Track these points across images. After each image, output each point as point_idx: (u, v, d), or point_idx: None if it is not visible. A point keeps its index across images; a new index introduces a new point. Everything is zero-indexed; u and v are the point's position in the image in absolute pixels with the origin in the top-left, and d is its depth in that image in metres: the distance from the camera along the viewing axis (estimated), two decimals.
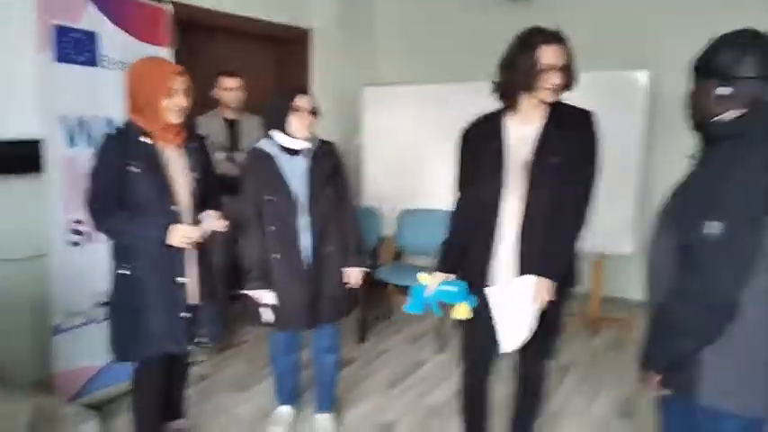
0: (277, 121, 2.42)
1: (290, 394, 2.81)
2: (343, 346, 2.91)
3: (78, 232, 2.83)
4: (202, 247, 2.23)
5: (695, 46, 1.55)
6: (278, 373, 2.77)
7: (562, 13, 4.47)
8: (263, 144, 2.48)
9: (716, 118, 1.43)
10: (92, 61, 2.90)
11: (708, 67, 1.44)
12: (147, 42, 3.17)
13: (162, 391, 2.28)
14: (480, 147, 2.07)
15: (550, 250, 1.99)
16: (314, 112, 2.43)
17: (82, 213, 2.80)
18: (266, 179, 2.44)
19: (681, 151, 1.73)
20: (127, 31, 3.06)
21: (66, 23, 2.77)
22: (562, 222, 2.00)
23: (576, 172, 1.98)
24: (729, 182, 1.34)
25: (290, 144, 2.43)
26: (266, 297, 2.46)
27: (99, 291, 2.85)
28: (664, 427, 1.63)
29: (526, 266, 2.01)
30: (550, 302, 2.01)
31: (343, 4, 5.05)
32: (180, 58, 3.27)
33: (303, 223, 2.45)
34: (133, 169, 2.05)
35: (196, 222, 2.16)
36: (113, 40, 2.99)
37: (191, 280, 2.19)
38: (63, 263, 2.76)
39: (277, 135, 2.44)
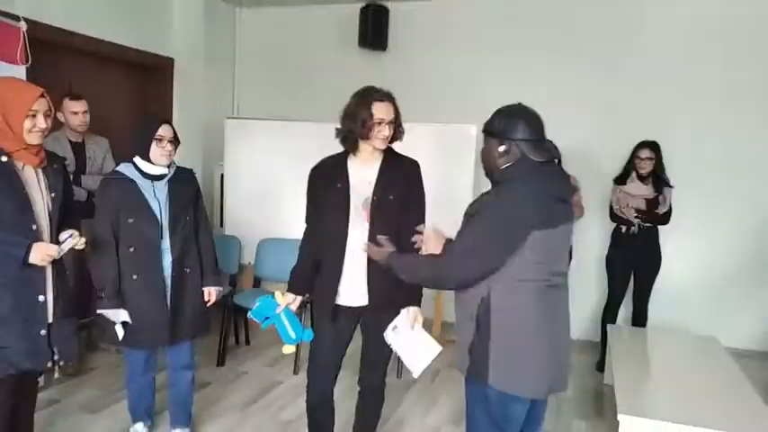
0: (140, 147, 2.55)
1: (145, 412, 2.86)
2: (200, 369, 3.00)
3: None
4: (58, 266, 2.25)
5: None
6: (134, 390, 2.81)
7: (408, 64, 5.09)
8: (123, 168, 2.59)
9: (498, 167, 1.91)
10: None
11: (491, 131, 1.92)
12: (1, 60, 3.13)
13: (11, 411, 2.22)
14: (327, 185, 2.37)
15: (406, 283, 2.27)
16: (174, 141, 2.59)
17: None
18: (127, 202, 2.54)
19: None
20: None
21: None
22: (405, 251, 2.30)
23: (408, 207, 2.36)
24: (492, 213, 1.81)
25: (151, 170, 2.56)
26: (120, 315, 2.52)
27: None
28: (468, 409, 2.00)
29: (376, 288, 2.31)
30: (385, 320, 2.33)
31: (205, 36, 5.18)
32: (35, 77, 3.23)
33: (164, 245, 2.58)
34: None
35: (55, 241, 2.18)
36: None
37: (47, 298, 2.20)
38: None
39: (138, 161, 2.56)
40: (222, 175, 4.86)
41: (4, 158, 2.10)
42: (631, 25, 4.62)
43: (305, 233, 2.45)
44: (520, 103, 1.95)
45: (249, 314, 2.40)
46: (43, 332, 2.17)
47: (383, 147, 2.33)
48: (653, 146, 4.07)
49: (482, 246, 1.80)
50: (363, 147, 2.32)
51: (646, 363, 3.53)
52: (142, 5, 4.80)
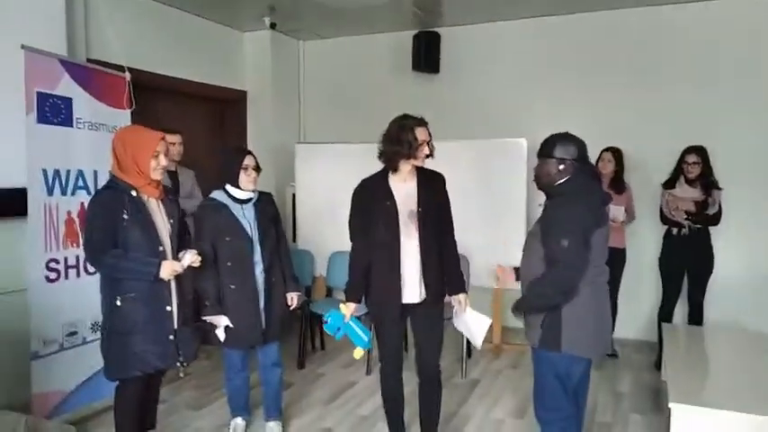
0: (229, 176, 2.98)
1: (243, 407, 3.27)
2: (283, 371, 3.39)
3: (54, 270, 3.22)
4: (179, 280, 2.68)
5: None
6: (233, 388, 3.22)
7: (460, 85, 5.41)
8: (216, 195, 3.02)
9: (555, 182, 2.37)
10: (66, 122, 3.36)
11: (549, 154, 2.37)
12: (111, 106, 3.68)
13: (143, 402, 2.68)
14: (375, 202, 2.75)
15: (452, 276, 2.80)
16: (257, 169, 3.01)
17: (57, 253, 3.23)
18: (224, 224, 2.96)
19: None
20: (95, 97, 3.55)
21: (47, 90, 3.23)
22: (450, 251, 2.83)
23: (444, 215, 2.81)
24: (568, 218, 2.28)
25: (240, 195, 2.99)
26: (222, 320, 2.94)
27: (69, 321, 3.26)
28: (537, 373, 2.44)
29: (430, 286, 2.73)
30: (439, 311, 2.81)
31: (273, 69, 5.69)
32: (135, 117, 3.76)
33: (256, 258, 3.00)
34: (125, 217, 2.49)
35: (176, 259, 2.62)
36: (84, 104, 3.47)
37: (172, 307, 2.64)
38: (40, 296, 3.13)
39: (229, 188, 2.99)
40: (294, 195, 5.31)
41: (134, 193, 2.55)
42: (674, 39, 4.80)
43: (354, 249, 2.82)
44: (567, 132, 2.42)
45: (324, 328, 2.81)
46: (171, 337, 2.61)
47: (422, 164, 2.74)
48: (699, 150, 4.25)
49: (578, 248, 2.25)
50: (403, 166, 2.72)
51: (698, 358, 3.70)
52: (218, 46, 5.37)
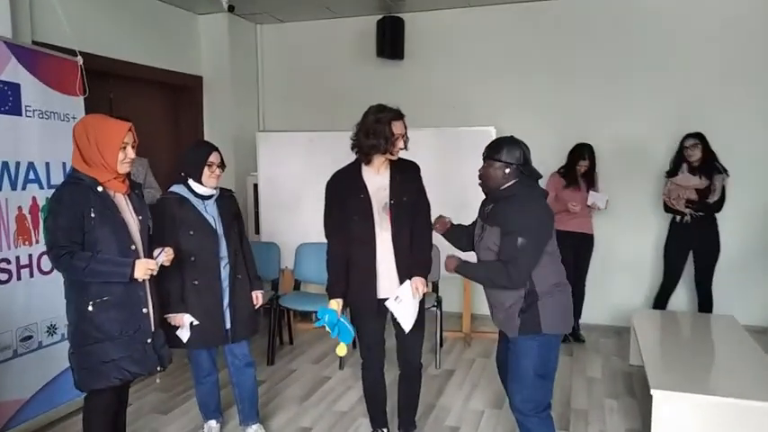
0: (193, 172, 2.83)
1: (215, 409, 3.12)
2: None
3: (5, 270, 2.97)
4: (153, 280, 2.48)
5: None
6: (203, 393, 3.06)
7: (425, 73, 5.33)
8: (176, 188, 2.87)
9: (501, 186, 2.44)
10: (15, 110, 3.09)
11: (495, 157, 2.44)
12: (63, 93, 3.40)
13: (116, 410, 2.49)
14: (348, 195, 2.69)
15: (418, 258, 2.73)
16: (221, 166, 2.88)
17: (8, 252, 2.98)
18: (186, 218, 2.81)
19: None
20: (45, 83, 3.27)
21: None
22: (421, 239, 2.76)
23: (418, 205, 2.76)
24: (527, 218, 2.35)
25: (202, 191, 2.85)
26: (186, 319, 2.79)
27: (23, 325, 3.04)
28: (516, 364, 2.48)
29: (404, 275, 2.69)
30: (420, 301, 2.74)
31: (230, 54, 5.44)
32: (86, 104, 3.50)
33: (222, 254, 2.87)
34: (92, 216, 2.27)
35: (149, 258, 2.42)
36: (33, 91, 3.20)
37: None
38: None
39: (192, 183, 2.84)
40: (255, 185, 5.13)
41: (100, 188, 2.34)
42: (648, 26, 4.79)
43: (331, 246, 2.75)
44: (512, 136, 2.53)
45: (317, 324, 2.71)
46: (149, 341, 2.42)
47: (396, 157, 2.70)
48: (698, 135, 4.25)
49: (533, 246, 2.36)
50: (377, 158, 2.67)
51: (671, 342, 3.78)
52: (172, 29, 5.08)
